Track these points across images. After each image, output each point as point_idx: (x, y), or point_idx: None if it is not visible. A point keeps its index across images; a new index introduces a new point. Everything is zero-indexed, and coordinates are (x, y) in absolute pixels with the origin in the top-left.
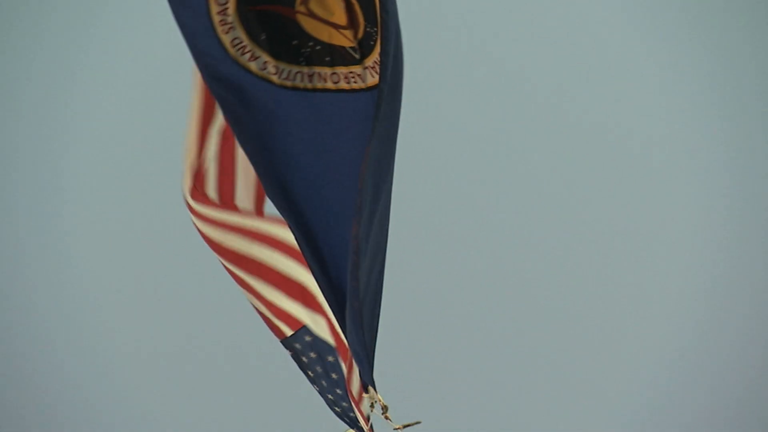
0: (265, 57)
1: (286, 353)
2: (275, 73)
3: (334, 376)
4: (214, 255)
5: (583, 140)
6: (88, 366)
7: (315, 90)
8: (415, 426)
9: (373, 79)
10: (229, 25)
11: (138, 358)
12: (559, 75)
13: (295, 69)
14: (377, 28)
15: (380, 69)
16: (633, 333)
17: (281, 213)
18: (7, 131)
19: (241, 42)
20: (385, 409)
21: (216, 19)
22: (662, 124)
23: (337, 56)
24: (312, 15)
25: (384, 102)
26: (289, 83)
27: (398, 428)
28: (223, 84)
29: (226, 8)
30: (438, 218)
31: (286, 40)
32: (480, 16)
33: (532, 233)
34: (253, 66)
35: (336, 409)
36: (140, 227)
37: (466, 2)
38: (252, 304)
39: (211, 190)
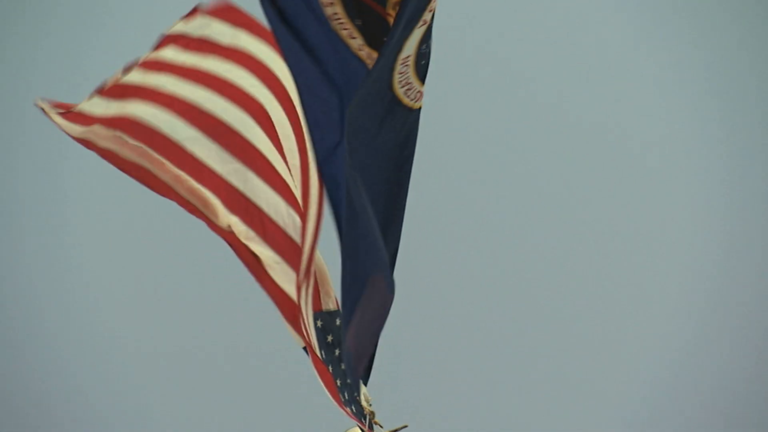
0: (360, 40)
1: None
2: (368, 58)
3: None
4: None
5: (583, 140)
6: (89, 365)
7: None
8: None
9: (419, 103)
10: (329, 1)
11: (138, 358)
12: (559, 75)
13: None
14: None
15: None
16: (633, 333)
17: (327, 186)
18: (7, 131)
19: (340, 18)
20: (372, 415)
21: None
22: (662, 124)
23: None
24: None
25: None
26: None
27: None
28: (313, 50)
29: None
30: (438, 217)
31: (379, 33)
32: (484, 17)
33: (532, 232)
34: (352, 43)
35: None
36: (140, 227)
37: (470, 2)
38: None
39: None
